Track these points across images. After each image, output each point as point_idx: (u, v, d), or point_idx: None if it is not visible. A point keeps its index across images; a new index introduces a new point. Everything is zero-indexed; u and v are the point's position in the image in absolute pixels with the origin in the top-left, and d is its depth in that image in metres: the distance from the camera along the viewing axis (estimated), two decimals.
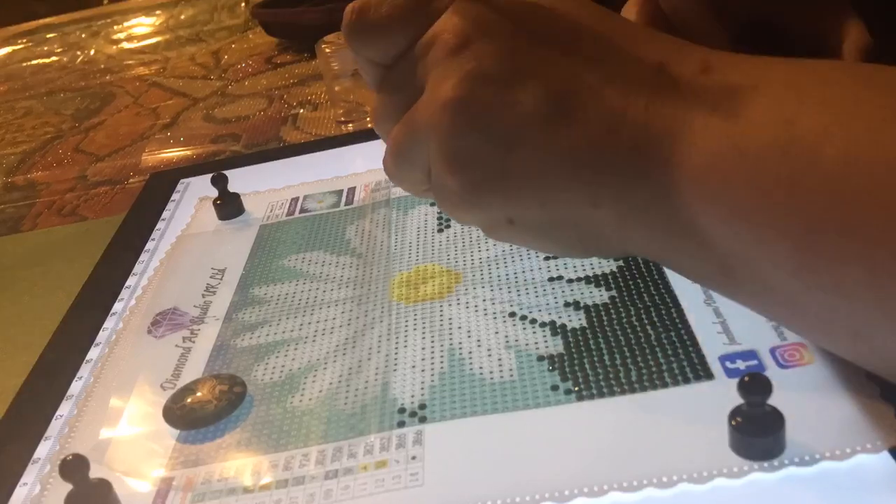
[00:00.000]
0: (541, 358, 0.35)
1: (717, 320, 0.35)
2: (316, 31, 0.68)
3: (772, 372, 0.32)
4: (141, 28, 1.17)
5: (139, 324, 0.45)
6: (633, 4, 0.40)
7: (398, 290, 0.42)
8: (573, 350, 0.35)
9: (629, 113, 0.27)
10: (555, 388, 0.34)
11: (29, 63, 1.15)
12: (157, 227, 0.55)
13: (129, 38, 1.14)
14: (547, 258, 0.42)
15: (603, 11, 0.30)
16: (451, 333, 0.38)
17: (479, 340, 0.37)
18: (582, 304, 0.38)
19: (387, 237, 0.47)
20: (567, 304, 0.38)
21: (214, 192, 0.54)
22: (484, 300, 0.40)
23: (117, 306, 0.47)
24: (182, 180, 0.61)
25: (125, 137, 0.79)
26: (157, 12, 1.19)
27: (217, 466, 0.34)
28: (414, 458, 0.32)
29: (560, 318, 0.38)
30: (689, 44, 0.28)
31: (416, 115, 0.30)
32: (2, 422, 0.40)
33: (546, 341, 0.36)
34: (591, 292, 0.39)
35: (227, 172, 0.54)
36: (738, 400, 0.28)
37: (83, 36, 1.19)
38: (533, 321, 0.38)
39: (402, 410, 0.34)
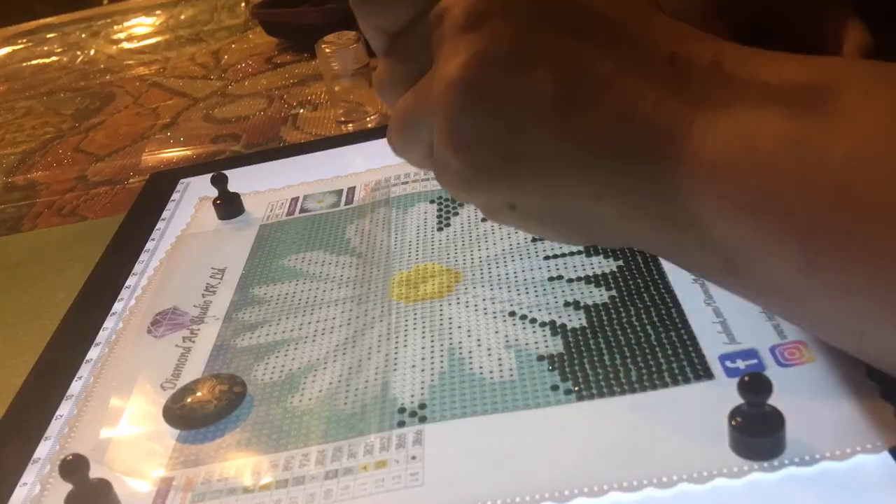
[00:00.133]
0: (541, 358, 0.35)
1: (717, 320, 0.35)
2: (316, 31, 0.68)
3: (772, 371, 0.32)
4: (141, 28, 1.17)
5: (139, 324, 0.45)
6: None
7: (398, 289, 0.42)
8: (573, 350, 0.35)
9: (639, 105, 0.27)
10: (555, 388, 0.34)
11: (29, 63, 1.15)
12: (157, 226, 0.55)
13: (129, 38, 1.14)
14: (547, 258, 0.42)
15: None
16: (450, 333, 0.38)
17: (478, 340, 0.37)
18: (582, 304, 0.38)
19: (386, 236, 0.47)
20: (567, 304, 0.38)
21: (214, 192, 0.54)
22: (484, 299, 0.40)
23: (117, 306, 0.47)
24: (182, 180, 0.61)
25: (125, 137, 0.79)
26: (157, 12, 1.19)
27: (217, 466, 0.34)
28: (414, 458, 0.32)
29: (560, 317, 0.38)
30: (702, 34, 0.28)
31: (423, 90, 0.30)
32: (2, 422, 0.40)
33: (546, 341, 0.36)
34: (591, 292, 0.39)
35: (227, 172, 0.54)
36: (738, 400, 0.28)
37: (83, 36, 1.18)
38: (533, 321, 0.38)
39: (402, 410, 0.34)
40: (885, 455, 0.27)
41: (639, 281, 0.39)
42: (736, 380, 0.28)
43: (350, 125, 0.68)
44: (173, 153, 0.73)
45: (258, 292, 0.45)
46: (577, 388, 0.33)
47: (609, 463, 0.30)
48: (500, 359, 0.36)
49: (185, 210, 0.56)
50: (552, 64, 0.27)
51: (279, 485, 0.32)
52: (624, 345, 0.35)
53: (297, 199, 0.54)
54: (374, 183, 0.54)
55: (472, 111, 0.28)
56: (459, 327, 0.38)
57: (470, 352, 0.37)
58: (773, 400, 0.28)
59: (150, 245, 0.53)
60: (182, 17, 1.16)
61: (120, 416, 0.38)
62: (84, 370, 0.42)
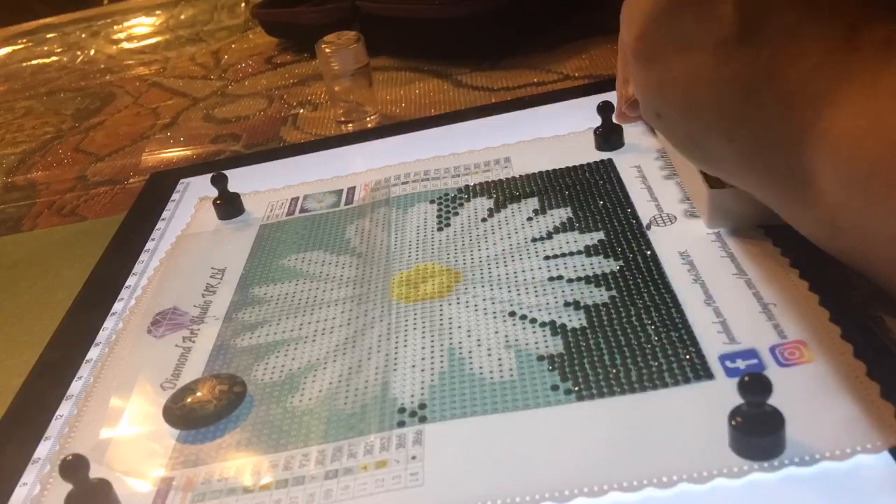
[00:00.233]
0: (541, 358, 0.35)
1: (717, 320, 0.35)
2: (316, 31, 0.68)
3: (772, 370, 0.32)
4: (141, 28, 1.17)
5: (139, 324, 0.45)
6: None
7: (398, 289, 0.42)
8: (573, 350, 0.35)
9: (799, 63, 0.28)
10: (555, 387, 0.34)
11: (29, 63, 1.15)
12: (157, 226, 0.55)
13: (129, 38, 1.14)
14: (547, 258, 0.42)
15: None
16: (450, 333, 0.38)
17: (478, 340, 0.37)
18: (582, 304, 0.38)
19: (386, 236, 0.47)
20: (567, 304, 0.38)
21: (214, 192, 0.54)
22: (484, 299, 0.40)
23: (117, 306, 0.47)
24: (182, 180, 0.62)
25: (125, 137, 0.79)
26: (157, 12, 1.19)
27: (217, 466, 0.34)
28: (414, 457, 0.32)
29: (560, 317, 0.37)
30: (879, 12, 0.29)
31: None
32: (2, 422, 0.40)
33: (546, 341, 0.36)
34: (591, 292, 0.39)
35: (227, 172, 0.54)
36: (738, 400, 0.28)
37: (83, 36, 1.19)
38: (533, 321, 0.38)
39: (402, 410, 0.34)
40: (885, 455, 0.27)
41: (639, 281, 0.39)
42: (736, 380, 0.28)
43: (350, 125, 0.68)
44: (173, 153, 0.73)
45: (258, 292, 0.45)
46: (576, 388, 0.33)
47: (609, 463, 0.30)
48: (500, 359, 0.36)
49: (185, 210, 0.56)
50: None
51: (279, 485, 0.32)
52: (624, 345, 0.35)
53: (296, 199, 0.54)
54: (374, 183, 0.54)
55: (668, 6, 0.32)
56: (459, 327, 0.38)
57: (470, 352, 0.37)
58: (773, 400, 0.28)
59: (150, 245, 0.53)
60: (182, 17, 1.16)
61: (120, 416, 0.38)
62: (84, 370, 0.42)
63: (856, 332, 0.32)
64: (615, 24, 0.39)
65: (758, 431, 0.28)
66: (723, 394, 0.31)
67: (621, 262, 0.40)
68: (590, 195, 0.47)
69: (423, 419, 0.34)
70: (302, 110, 0.76)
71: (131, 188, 0.67)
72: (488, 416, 0.33)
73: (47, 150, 0.80)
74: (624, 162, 0.49)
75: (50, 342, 0.46)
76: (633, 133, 0.52)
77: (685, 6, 0.32)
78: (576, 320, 0.37)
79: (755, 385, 0.28)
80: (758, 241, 0.39)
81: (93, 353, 0.43)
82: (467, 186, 0.51)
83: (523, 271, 0.41)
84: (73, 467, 0.32)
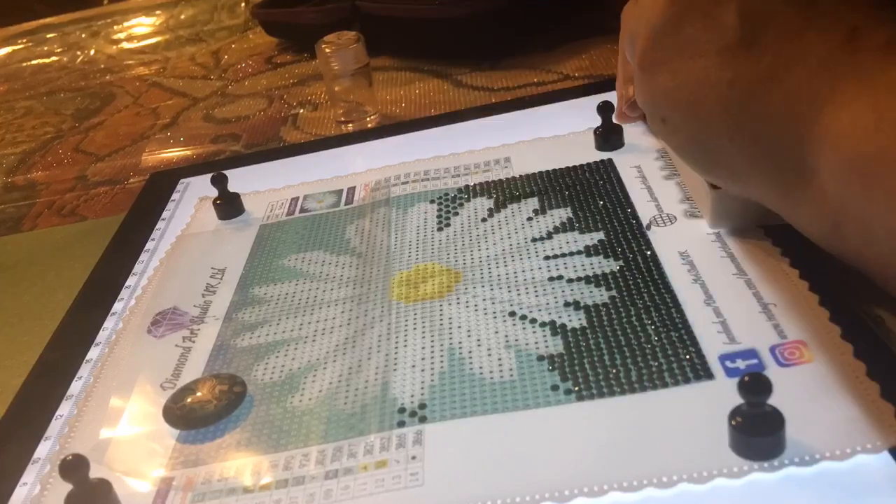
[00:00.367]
0: (541, 358, 0.35)
1: (717, 320, 0.35)
2: (316, 31, 0.68)
3: (772, 370, 0.32)
4: (141, 28, 1.17)
5: (139, 324, 0.45)
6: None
7: (398, 289, 0.42)
8: (573, 350, 0.35)
9: (801, 65, 0.29)
10: (555, 388, 0.34)
11: (29, 63, 1.15)
12: (157, 226, 0.55)
13: (129, 38, 1.14)
14: (547, 258, 0.42)
15: None
16: (450, 333, 0.38)
17: (478, 340, 0.37)
18: (582, 304, 0.38)
19: (386, 236, 0.47)
20: (567, 304, 0.38)
21: (214, 192, 0.54)
22: (484, 299, 0.40)
23: (117, 306, 0.47)
24: (182, 180, 0.62)
25: (125, 137, 0.79)
26: (157, 12, 1.19)
27: (217, 466, 0.34)
28: (414, 457, 0.32)
29: (560, 317, 0.37)
30: (882, 15, 0.29)
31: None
32: (2, 422, 0.40)
33: (546, 341, 0.36)
34: (591, 292, 0.39)
35: (227, 172, 0.54)
36: (738, 400, 0.28)
37: (83, 36, 1.18)
38: (533, 321, 0.38)
39: (402, 410, 0.34)
40: (885, 455, 0.27)
41: (639, 281, 0.39)
42: (736, 380, 0.28)
43: (350, 125, 0.68)
44: (173, 153, 0.73)
45: (258, 292, 0.45)
46: (576, 388, 0.33)
47: (609, 463, 0.30)
48: (500, 359, 0.36)
49: (185, 210, 0.56)
50: (745, 4, 0.31)
51: (279, 485, 0.32)
52: (624, 345, 0.35)
53: (296, 199, 0.54)
54: (374, 183, 0.54)
55: (671, 16, 0.33)
56: (459, 327, 0.38)
57: (470, 352, 0.37)
58: (773, 400, 0.28)
59: (150, 245, 0.53)
60: (182, 17, 1.16)
61: (120, 416, 0.38)
62: (84, 370, 0.42)
63: (856, 332, 0.32)
64: (615, 24, 0.39)
65: (758, 431, 0.28)
66: (723, 394, 0.31)
67: (621, 263, 0.40)
68: (590, 195, 0.47)
69: (423, 419, 0.34)
70: (302, 110, 0.76)
71: (131, 188, 0.67)
72: (488, 416, 0.33)
73: (47, 150, 0.80)
74: (624, 162, 0.49)
75: (50, 342, 0.46)
76: (633, 133, 0.52)
77: (691, 17, 0.32)
78: (576, 320, 0.37)
79: (755, 385, 0.28)
80: (758, 241, 0.39)
81: (93, 353, 0.43)
82: (467, 186, 0.51)
83: (523, 271, 0.41)
84: (73, 467, 0.32)
